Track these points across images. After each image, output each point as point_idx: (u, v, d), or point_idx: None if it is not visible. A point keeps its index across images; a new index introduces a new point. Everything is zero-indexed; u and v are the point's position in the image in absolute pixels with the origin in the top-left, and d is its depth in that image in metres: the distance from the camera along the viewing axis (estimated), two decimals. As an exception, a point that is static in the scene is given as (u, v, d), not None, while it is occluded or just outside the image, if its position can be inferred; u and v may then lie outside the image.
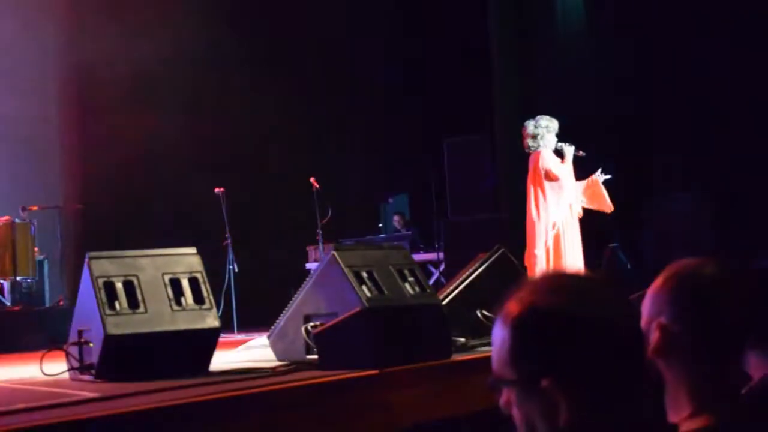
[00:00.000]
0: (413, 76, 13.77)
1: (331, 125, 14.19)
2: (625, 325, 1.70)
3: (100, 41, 11.79)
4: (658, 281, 2.20)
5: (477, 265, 7.06)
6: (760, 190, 10.91)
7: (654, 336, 2.11)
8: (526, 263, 8.47)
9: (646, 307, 2.18)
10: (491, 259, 7.13)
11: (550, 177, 8.38)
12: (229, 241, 10.74)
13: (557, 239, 8.36)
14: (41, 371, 5.49)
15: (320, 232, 11.26)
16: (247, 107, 12.89)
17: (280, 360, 5.90)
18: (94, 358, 5.22)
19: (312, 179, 11.16)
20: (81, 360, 5.34)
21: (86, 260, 5.34)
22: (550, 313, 1.66)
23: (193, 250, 5.66)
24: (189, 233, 10.59)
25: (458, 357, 5.66)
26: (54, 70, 12.20)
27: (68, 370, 5.43)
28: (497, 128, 11.37)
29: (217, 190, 10.75)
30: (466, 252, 8.52)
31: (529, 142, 8.55)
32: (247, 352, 6.84)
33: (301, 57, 14.09)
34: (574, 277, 1.74)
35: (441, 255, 11.95)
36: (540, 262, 8.33)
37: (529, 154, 8.61)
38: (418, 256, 12.44)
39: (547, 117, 8.59)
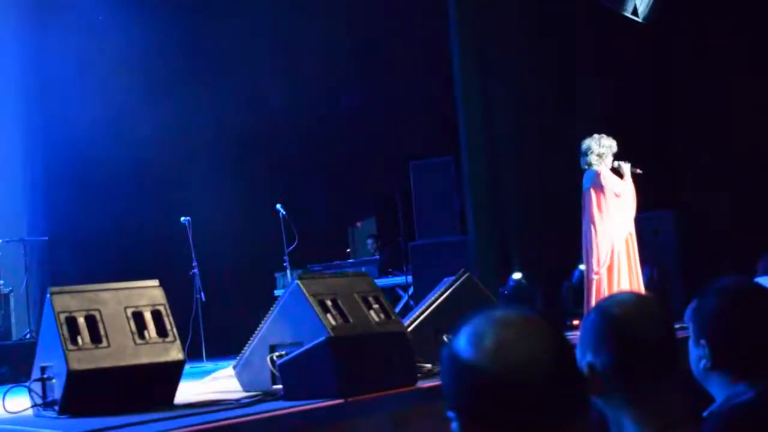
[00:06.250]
0: (377, 99, 13.79)
1: (296, 150, 14.17)
2: (552, 369, 1.63)
3: (66, 75, 11.76)
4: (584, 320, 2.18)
5: (443, 290, 7.08)
6: (727, 208, 10.98)
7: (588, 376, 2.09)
8: (586, 278, 8.57)
9: (578, 347, 2.17)
10: (457, 284, 7.15)
11: (616, 196, 8.52)
12: (196, 270, 10.67)
13: (617, 256, 8.45)
14: (4, 408, 5.44)
15: (287, 258, 11.22)
16: (211, 134, 12.85)
17: (246, 391, 5.88)
18: (57, 394, 5.19)
19: (279, 205, 11.13)
20: (44, 396, 5.30)
21: (48, 296, 5.31)
22: (475, 353, 1.62)
23: (155, 282, 5.64)
24: (156, 263, 10.54)
25: (424, 384, 5.65)
26: (15, 98, 12.11)
27: (32, 406, 5.39)
28: (462, 150, 11.40)
29: (183, 219, 10.70)
30: (434, 275, 8.54)
31: (593, 159, 8.58)
32: (214, 383, 6.80)
33: (263, 83, 14.09)
34: (511, 316, 1.68)
35: (410, 278, 11.93)
36: (601, 279, 8.42)
37: (583, 171, 8.65)
38: (387, 280, 12.43)
39: (606, 136, 8.67)
